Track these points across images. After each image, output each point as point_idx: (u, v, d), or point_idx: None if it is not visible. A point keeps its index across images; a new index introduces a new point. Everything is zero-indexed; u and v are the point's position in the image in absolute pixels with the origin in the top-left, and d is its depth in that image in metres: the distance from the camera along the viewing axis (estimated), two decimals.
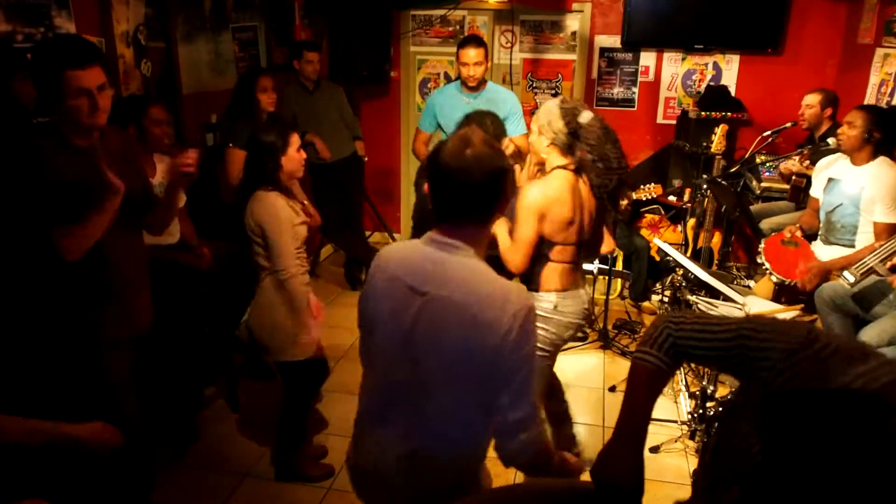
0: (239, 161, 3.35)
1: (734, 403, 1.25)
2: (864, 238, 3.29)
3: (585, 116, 2.32)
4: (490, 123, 2.88)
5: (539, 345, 2.33)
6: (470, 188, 1.45)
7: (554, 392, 2.90)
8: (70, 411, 1.65)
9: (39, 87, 1.95)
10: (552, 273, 2.40)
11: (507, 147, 3.13)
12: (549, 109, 2.36)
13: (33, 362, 1.59)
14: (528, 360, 1.44)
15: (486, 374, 1.43)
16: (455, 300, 1.44)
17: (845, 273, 2.93)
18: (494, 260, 2.11)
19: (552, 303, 2.41)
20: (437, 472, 1.57)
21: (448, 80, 5.56)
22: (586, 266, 4.04)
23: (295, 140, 2.54)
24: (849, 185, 3.35)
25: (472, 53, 3.54)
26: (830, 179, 3.49)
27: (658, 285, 4.70)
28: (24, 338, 1.71)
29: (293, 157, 2.53)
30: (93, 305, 2.10)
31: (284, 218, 2.47)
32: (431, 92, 4.34)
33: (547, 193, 2.31)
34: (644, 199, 4.49)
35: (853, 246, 3.33)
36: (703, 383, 3.02)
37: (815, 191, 3.63)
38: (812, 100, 4.19)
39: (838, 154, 3.48)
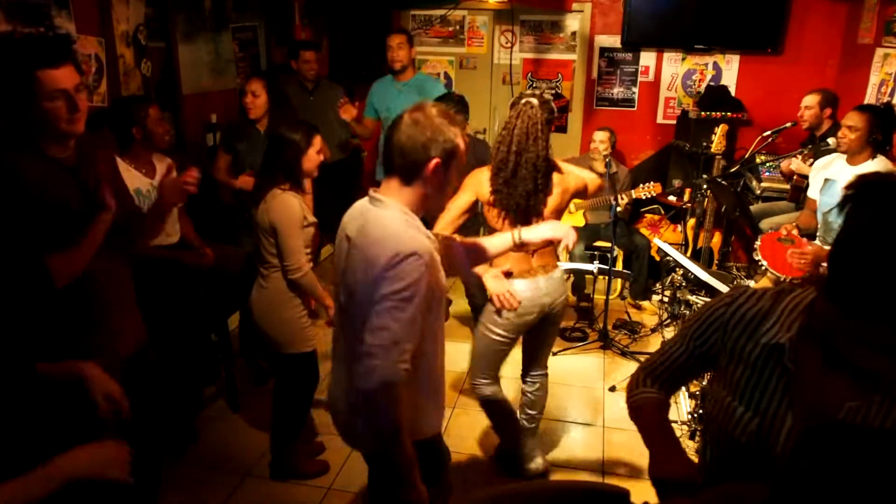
0: (220, 163, 3.64)
1: (710, 384, 1.39)
2: None
3: (522, 99, 2.41)
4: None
5: (486, 323, 2.60)
6: (394, 145, 1.62)
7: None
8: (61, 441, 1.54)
9: (5, 90, 1.74)
10: (503, 258, 2.43)
11: None
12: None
13: (22, 397, 1.44)
14: (398, 297, 1.52)
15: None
16: (358, 243, 1.62)
17: None
18: None
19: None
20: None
21: (448, 80, 5.59)
22: (586, 266, 4.05)
23: (317, 141, 2.64)
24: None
25: (394, 40, 4.14)
26: (827, 180, 3.46)
27: (658, 285, 4.70)
28: (10, 373, 1.51)
29: (312, 158, 2.64)
30: (77, 335, 1.88)
31: (297, 218, 2.57)
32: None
33: (475, 174, 2.56)
34: (644, 198, 4.49)
35: None
36: (703, 384, 3.02)
37: (812, 192, 3.61)
38: (811, 101, 4.17)
39: (835, 154, 3.46)
